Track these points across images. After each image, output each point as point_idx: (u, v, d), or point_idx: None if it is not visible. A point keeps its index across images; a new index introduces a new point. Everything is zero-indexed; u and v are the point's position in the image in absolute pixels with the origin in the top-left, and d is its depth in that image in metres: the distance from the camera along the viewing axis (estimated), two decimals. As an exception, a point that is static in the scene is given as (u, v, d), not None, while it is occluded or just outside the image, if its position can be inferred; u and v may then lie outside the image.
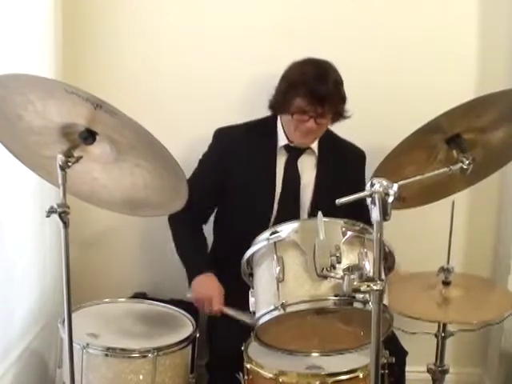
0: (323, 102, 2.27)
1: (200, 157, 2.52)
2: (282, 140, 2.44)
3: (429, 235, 2.71)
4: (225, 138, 2.49)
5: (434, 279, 2.22)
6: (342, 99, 2.35)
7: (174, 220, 2.45)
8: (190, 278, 2.36)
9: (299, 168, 2.45)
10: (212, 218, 2.58)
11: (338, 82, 2.33)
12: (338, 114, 2.37)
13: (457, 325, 2.30)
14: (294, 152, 2.45)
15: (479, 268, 2.76)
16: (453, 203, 2.15)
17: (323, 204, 2.34)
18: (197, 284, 2.34)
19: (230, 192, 2.45)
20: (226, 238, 2.52)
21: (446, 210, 2.18)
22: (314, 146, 2.45)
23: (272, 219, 2.42)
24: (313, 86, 2.27)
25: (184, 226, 2.44)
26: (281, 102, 2.37)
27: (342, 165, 2.46)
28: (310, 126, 2.32)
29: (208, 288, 2.31)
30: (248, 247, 1.85)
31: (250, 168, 2.42)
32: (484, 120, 1.79)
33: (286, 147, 2.44)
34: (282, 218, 2.31)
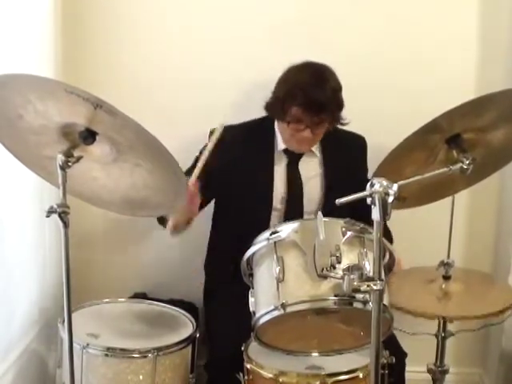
0: (320, 111, 2.24)
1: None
2: (281, 144, 2.42)
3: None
4: (227, 137, 2.47)
5: (434, 273, 2.22)
6: (339, 106, 2.31)
7: None
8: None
9: (301, 172, 2.44)
10: (210, 221, 2.58)
11: (336, 89, 2.29)
12: (335, 121, 2.34)
13: (457, 325, 2.30)
14: (294, 156, 2.43)
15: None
16: (453, 197, 2.15)
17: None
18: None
19: (229, 192, 2.44)
20: (224, 239, 2.51)
21: (446, 204, 2.18)
22: (315, 148, 2.43)
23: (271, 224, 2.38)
24: (310, 95, 2.23)
25: None
26: (277, 109, 2.33)
27: (347, 158, 2.44)
28: (305, 135, 2.29)
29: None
30: (246, 250, 1.85)
31: (248, 171, 2.39)
32: (484, 120, 1.79)
33: (285, 151, 2.43)
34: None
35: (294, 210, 2.42)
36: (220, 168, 2.38)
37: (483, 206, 2.84)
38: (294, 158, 2.43)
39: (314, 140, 2.37)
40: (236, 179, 2.39)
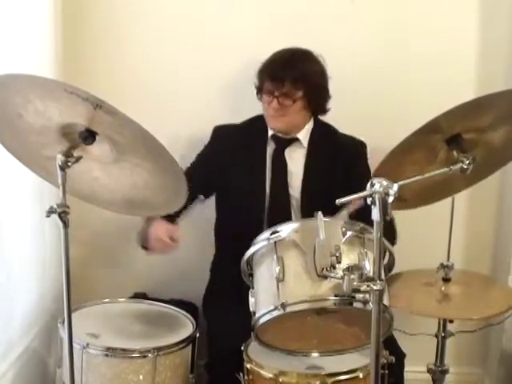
0: (283, 80, 2.31)
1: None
2: (270, 131, 2.47)
3: (429, 232, 2.71)
4: (222, 136, 2.53)
5: (434, 276, 2.22)
6: (315, 84, 2.36)
7: None
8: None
9: (286, 158, 2.46)
10: (213, 220, 2.59)
11: (312, 68, 2.36)
12: (310, 101, 2.38)
13: (457, 325, 2.30)
14: (281, 142, 2.47)
15: (479, 265, 2.76)
16: (453, 199, 2.15)
17: (312, 193, 2.42)
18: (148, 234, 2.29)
19: (226, 189, 2.46)
20: (227, 238, 2.52)
21: (445, 207, 2.18)
22: (303, 138, 2.46)
23: (266, 212, 2.42)
24: (277, 67, 2.34)
25: None
26: (256, 87, 2.43)
27: (335, 155, 2.46)
28: (273, 105, 2.36)
29: (156, 227, 2.28)
30: (246, 244, 1.86)
31: (244, 163, 2.44)
32: (484, 120, 1.78)
33: (273, 137, 2.47)
34: (274, 209, 2.41)
35: (278, 198, 2.44)
36: (218, 167, 2.45)
37: (483, 207, 2.84)
38: (280, 145, 2.47)
39: (286, 114, 2.38)
40: (233, 176, 2.44)
